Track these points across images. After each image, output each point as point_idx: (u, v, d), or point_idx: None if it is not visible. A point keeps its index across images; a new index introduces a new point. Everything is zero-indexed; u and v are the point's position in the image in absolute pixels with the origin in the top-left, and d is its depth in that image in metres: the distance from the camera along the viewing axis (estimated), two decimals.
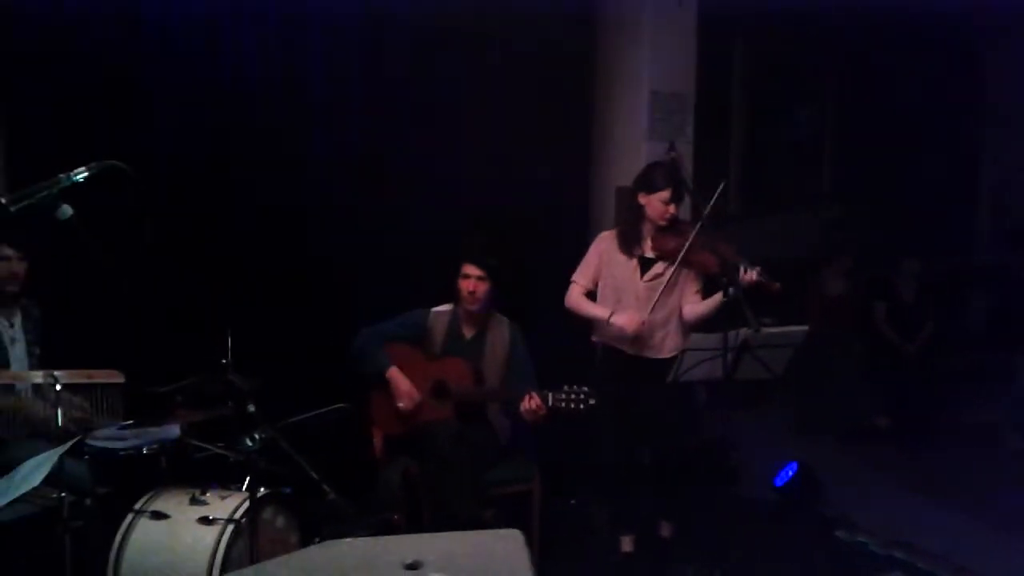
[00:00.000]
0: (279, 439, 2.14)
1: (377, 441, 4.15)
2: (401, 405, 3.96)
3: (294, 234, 4.81)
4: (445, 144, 5.15)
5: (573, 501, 4.79)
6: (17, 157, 4.28)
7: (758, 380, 3.70)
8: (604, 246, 4.02)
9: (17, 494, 2.60)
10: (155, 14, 4.48)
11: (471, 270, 4.02)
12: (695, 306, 3.89)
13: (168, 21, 4.52)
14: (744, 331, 3.49)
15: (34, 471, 2.65)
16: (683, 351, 3.59)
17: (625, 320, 3.82)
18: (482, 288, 4.01)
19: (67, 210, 1.84)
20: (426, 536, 1.13)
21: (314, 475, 2.30)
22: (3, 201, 1.78)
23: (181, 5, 4.53)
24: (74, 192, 1.87)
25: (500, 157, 5.24)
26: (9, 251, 3.58)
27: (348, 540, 1.13)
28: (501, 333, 4.14)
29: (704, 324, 3.82)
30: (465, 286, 4.02)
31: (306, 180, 4.88)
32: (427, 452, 3.81)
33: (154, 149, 4.47)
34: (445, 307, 4.16)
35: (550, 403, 3.71)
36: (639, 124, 5.58)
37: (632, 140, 5.63)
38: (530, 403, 3.72)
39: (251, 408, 2.09)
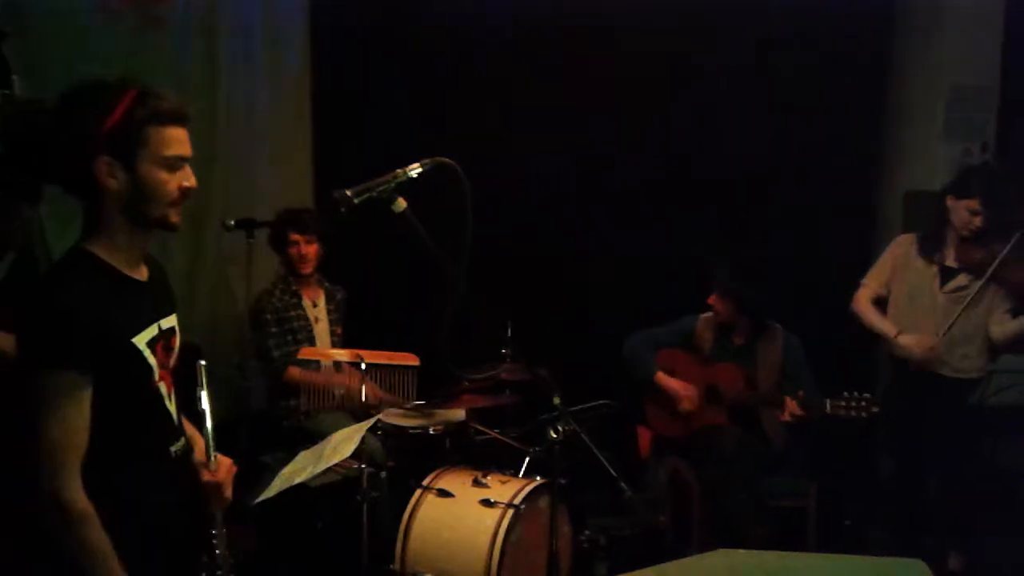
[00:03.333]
0: (581, 433, 2.18)
1: (643, 441, 4.15)
2: (684, 406, 3.92)
3: (578, 233, 4.91)
4: (730, 143, 5.05)
5: (848, 522, 4.54)
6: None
7: None
8: (901, 250, 3.79)
9: (329, 464, 2.83)
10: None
11: (719, 304, 3.95)
12: (1005, 325, 3.55)
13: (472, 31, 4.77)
14: None
15: (344, 443, 2.88)
16: (990, 372, 3.30)
17: (914, 343, 3.59)
18: (731, 313, 3.94)
19: (402, 203, 1.96)
20: (823, 556, 1.09)
21: (612, 472, 2.31)
22: (348, 193, 1.93)
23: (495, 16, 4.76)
24: (408, 187, 2.00)
25: (783, 154, 5.06)
26: (297, 236, 3.90)
27: (747, 551, 1.12)
28: (774, 340, 4.00)
29: (1014, 345, 3.49)
30: (716, 308, 3.97)
31: (594, 181, 4.95)
32: (707, 457, 3.76)
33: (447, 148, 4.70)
34: (712, 313, 4.10)
35: (828, 410, 3.56)
36: (934, 122, 5.17)
37: (925, 140, 5.24)
38: (791, 405, 3.60)
39: (556, 400, 2.13)
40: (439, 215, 2.01)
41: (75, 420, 1.69)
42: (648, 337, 4.08)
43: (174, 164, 1.80)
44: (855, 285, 3.96)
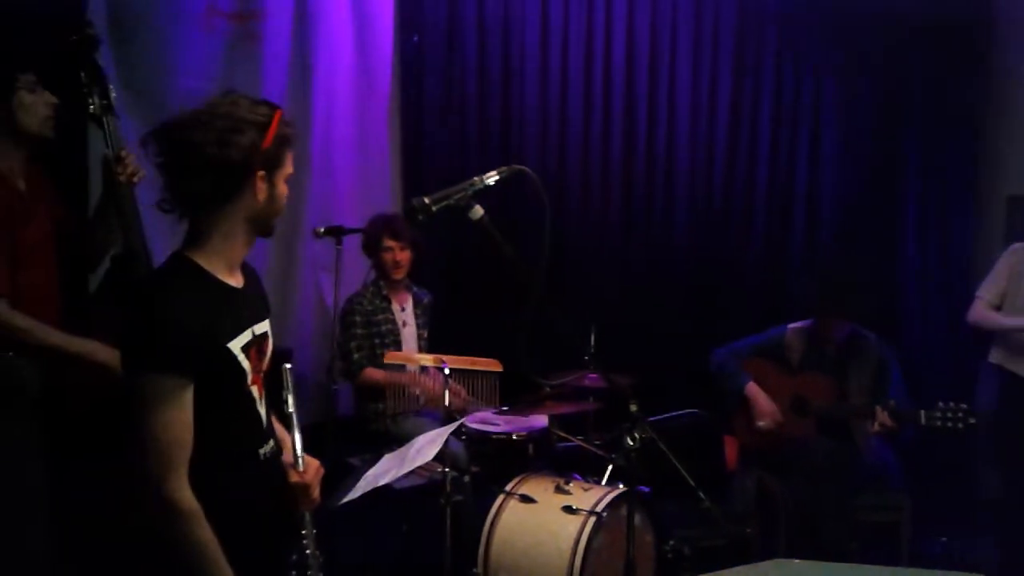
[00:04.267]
0: (658, 441, 2.16)
1: (730, 451, 4.08)
2: (761, 424, 3.86)
3: (670, 243, 4.91)
4: (825, 149, 4.95)
5: (944, 539, 4.37)
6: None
7: None
8: (1016, 259, 3.67)
9: (413, 466, 2.88)
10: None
11: (826, 329, 3.88)
12: None
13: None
14: None
15: (427, 446, 2.92)
16: None
17: None
18: (836, 328, 3.87)
19: (479, 210, 1.99)
20: (882, 568, 1.07)
21: (690, 481, 2.29)
22: (426, 201, 1.97)
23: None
24: (485, 194, 2.03)
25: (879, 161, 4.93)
26: (392, 242, 3.97)
27: (801, 561, 1.11)
28: (868, 350, 3.90)
29: None
30: (823, 329, 3.90)
31: (682, 190, 4.93)
32: (795, 469, 3.68)
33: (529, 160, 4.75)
34: (803, 323, 4.01)
35: (923, 421, 3.45)
36: None
37: None
38: (880, 415, 3.52)
39: (633, 408, 2.12)
40: (529, 222, 2.04)
41: (179, 421, 1.77)
42: (732, 349, 4.03)
43: (287, 180, 1.95)
44: (956, 292, 3.84)
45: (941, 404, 3.45)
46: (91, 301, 2.94)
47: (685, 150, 4.90)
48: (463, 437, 3.60)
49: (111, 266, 2.86)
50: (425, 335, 4.18)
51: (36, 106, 2.68)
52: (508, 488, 3.38)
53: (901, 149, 4.94)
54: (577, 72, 4.80)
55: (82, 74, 2.79)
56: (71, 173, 3.44)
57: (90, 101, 2.80)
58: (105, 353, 2.60)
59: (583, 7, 4.78)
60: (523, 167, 2.06)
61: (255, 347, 1.95)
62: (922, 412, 3.47)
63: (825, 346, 3.91)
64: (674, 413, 4.21)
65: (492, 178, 2.04)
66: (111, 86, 2.85)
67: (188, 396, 1.78)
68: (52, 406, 2.67)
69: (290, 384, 2.11)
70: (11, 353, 2.60)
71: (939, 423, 3.43)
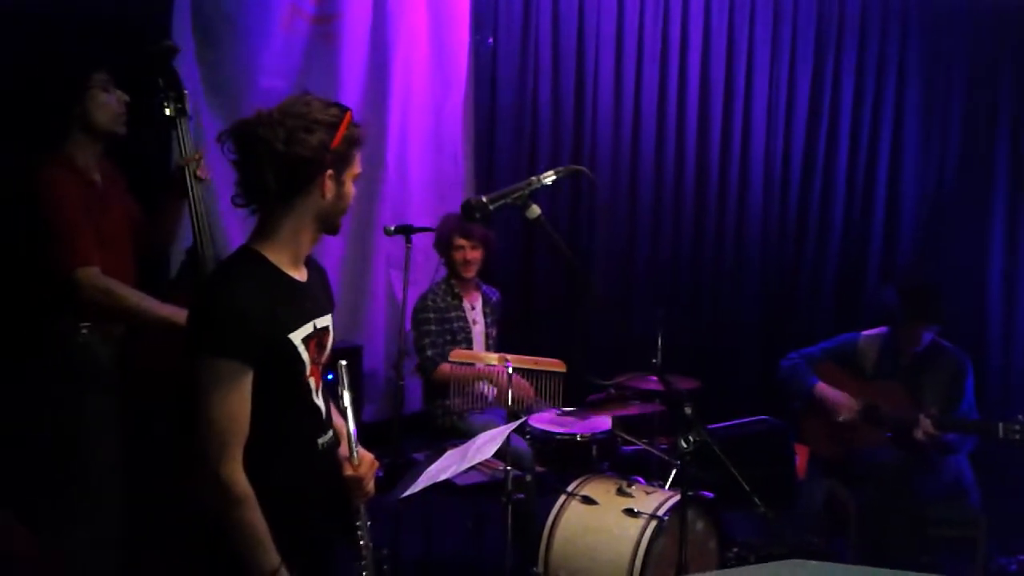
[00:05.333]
0: (713, 444, 2.14)
1: (801, 460, 4.01)
2: (840, 418, 3.77)
3: (743, 248, 4.86)
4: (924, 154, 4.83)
5: (1022, 557, 4.21)
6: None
7: None
8: None
9: (474, 462, 2.90)
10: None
11: (905, 337, 3.78)
12: None
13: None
14: None
15: (488, 443, 2.94)
16: None
17: None
18: (915, 336, 3.77)
19: (536, 209, 2.01)
20: (894, 572, 1.06)
21: (745, 487, 2.26)
22: (484, 200, 2.00)
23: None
24: (542, 193, 2.04)
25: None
26: (463, 241, 4.02)
27: (820, 563, 1.10)
28: (945, 360, 3.77)
29: None
30: (906, 336, 3.79)
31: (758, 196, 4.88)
32: (866, 478, 3.60)
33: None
34: (877, 331, 3.90)
35: (1000, 434, 3.33)
36: None
37: None
38: (923, 424, 3.46)
39: (687, 410, 2.11)
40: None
41: (238, 406, 1.83)
42: (802, 356, 3.95)
43: (355, 180, 2.00)
44: None
45: (1020, 417, 3.33)
46: (168, 288, 3.07)
47: (761, 152, 4.84)
48: (527, 436, 3.61)
49: (186, 258, 2.99)
50: (493, 334, 4.21)
51: (109, 104, 2.82)
52: (570, 489, 3.38)
53: (988, 148, 4.77)
54: (651, 75, 4.79)
55: (160, 80, 2.92)
56: (154, 173, 3.59)
57: (166, 105, 2.95)
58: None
59: (659, 10, 4.77)
60: (580, 167, 2.07)
61: (315, 340, 2.00)
62: (1000, 424, 3.36)
63: (900, 354, 3.80)
64: (743, 420, 4.15)
65: (549, 178, 2.05)
66: (187, 91, 2.98)
67: (247, 382, 1.84)
68: (125, 382, 2.80)
69: (345, 380, 2.16)
70: (85, 330, 2.73)
71: (1018, 436, 3.31)
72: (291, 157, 1.86)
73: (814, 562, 1.11)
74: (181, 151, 2.96)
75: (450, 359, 3.81)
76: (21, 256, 2.75)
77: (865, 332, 3.91)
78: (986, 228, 4.79)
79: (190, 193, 2.92)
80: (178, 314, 2.73)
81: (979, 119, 4.75)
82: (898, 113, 4.81)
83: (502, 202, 2.00)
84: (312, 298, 2.03)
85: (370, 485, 2.15)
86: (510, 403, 3.43)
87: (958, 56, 4.72)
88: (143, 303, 2.77)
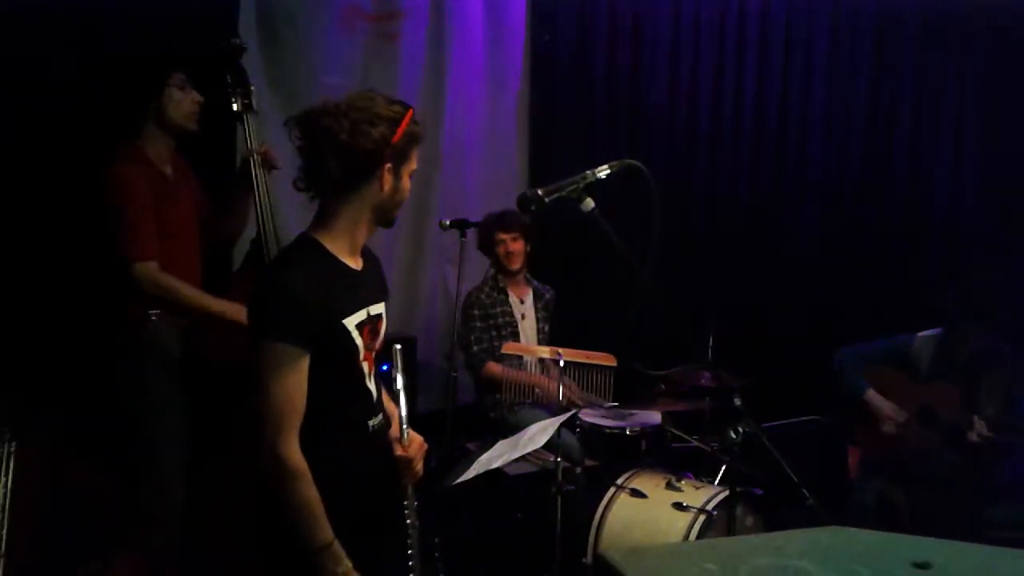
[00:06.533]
0: (763, 436, 2.16)
1: (852, 460, 3.98)
2: (885, 429, 3.75)
3: (797, 245, 4.84)
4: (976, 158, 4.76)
5: None
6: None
7: None
8: None
9: (523, 452, 2.97)
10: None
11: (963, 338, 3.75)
12: None
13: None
14: None
15: (539, 434, 3.00)
16: None
17: None
18: (974, 338, 3.74)
19: (590, 203, 2.05)
20: (937, 540, 1.08)
21: (794, 477, 2.27)
22: (540, 192, 2.05)
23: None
24: (596, 187, 2.08)
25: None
26: (503, 235, 4.07)
27: (857, 529, 1.13)
28: (1003, 362, 3.72)
29: None
30: (960, 339, 3.77)
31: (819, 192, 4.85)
32: (920, 480, 3.57)
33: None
34: (933, 331, 3.86)
35: None
36: None
37: None
38: (977, 425, 3.46)
39: (737, 402, 2.13)
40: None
41: (294, 387, 1.91)
42: (856, 354, 3.92)
43: (412, 176, 2.07)
44: None
45: None
46: (233, 277, 3.21)
47: (818, 149, 4.80)
48: (577, 430, 3.65)
49: (250, 248, 3.11)
50: (546, 329, 4.25)
51: (184, 102, 3.00)
52: (619, 481, 3.42)
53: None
54: (707, 71, 4.78)
55: (228, 77, 3.05)
56: (220, 166, 3.72)
57: (233, 100, 3.10)
58: (241, 314, 2.85)
59: (716, 2, 4.75)
60: (634, 161, 2.10)
61: (369, 326, 2.07)
62: None
63: (956, 355, 3.76)
64: (794, 419, 4.14)
65: (604, 171, 2.09)
66: (253, 87, 3.10)
67: (304, 365, 1.92)
68: (192, 367, 2.93)
69: (399, 364, 2.23)
70: (155, 317, 2.86)
71: None
72: (353, 148, 1.93)
73: (852, 528, 1.13)
74: (248, 144, 3.08)
75: (502, 351, 3.87)
76: (97, 243, 2.90)
77: (921, 333, 3.87)
78: None
79: (255, 185, 3.04)
80: (231, 309, 2.87)
81: None
82: (959, 109, 4.71)
83: (557, 195, 2.05)
84: (367, 286, 2.10)
85: (419, 465, 2.22)
86: (560, 399, 3.48)
87: (1016, 54, 4.62)
88: (196, 298, 2.92)
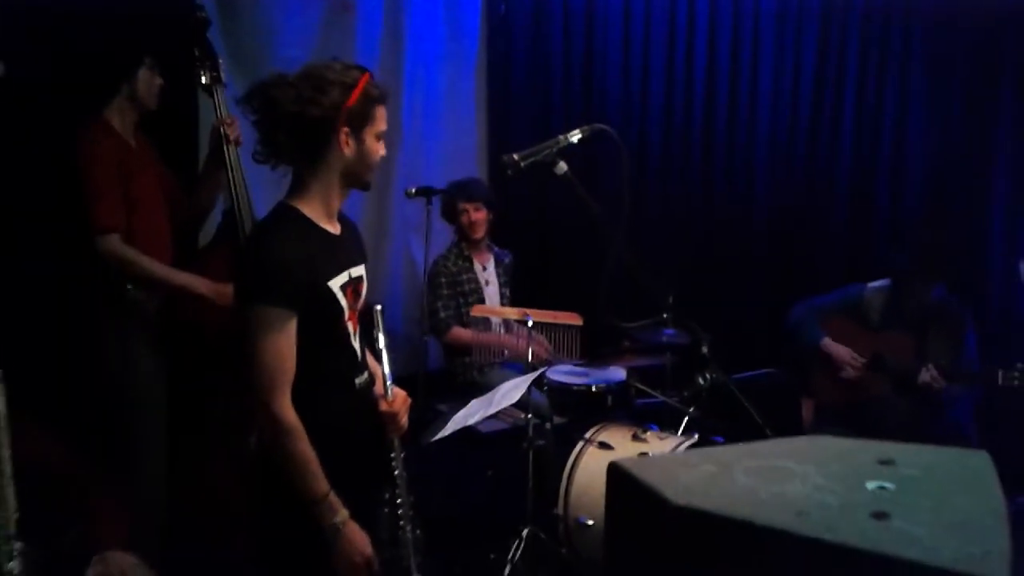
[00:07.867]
0: (728, 380, 2.30)
1: (806, 412, 4.14)
2: (843, 374, 3.92)
3: (750, 204, 4.97)
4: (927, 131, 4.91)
5: (1022, 499, 4.37)
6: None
7: None
8: None
9: (497, 409, 3.09)
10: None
11: (913, 290, 3.92)
12: None
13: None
14: None
15: (511, 391, 3.12)
16: None
17: None
18: (923, 290, 3.91)
19: (563, 165, 2.16)
20: (898, 444, 1.25)
21: (758, 418, 2.42)
22: (516, 157, 2.15)
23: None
24: (568, 151, 2.19)
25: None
26: (467, 204, 4.17)
27: (832, 438, 1.27)
28: (951, 315, 3.91)
29: None
30: (909, 290, 3.94)
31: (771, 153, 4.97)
32: (871, 427, 3.74)
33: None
34: (882, 282, 4.04)
35: (1000, 381, 3.50)
36: None
37: None
38: (926, 374, 3.61)
39: (704, 350, 2.27)
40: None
41: (284, 348, 2.01)
42: (810, 306, 4.08)
43: (381, 137, 2.14)
44: None
45: (1020, 364, 3.48)
46: (206, 249, 3.27)
47: (767, 108, 4.87)
48: (545, 388, 3.78)
49: (223, 219, 3.17)
50: (507, 293, 4.37)
51: (153, 82, 3.10)
52: (587, 436, 3.55)
53: (994, 107, 4.81)
54: (660, 35, 4.85)
55: (195, 51, 3.11)
56: (183, 140, 3.75)
57: (202, 74, 3.16)
58: (205, 287, 2.95)
59: None
60: (604, 126, 2.21)
61: (351, 287, 2.17)
62: (1000, 372, 3.50)
63: (906, 307, 3.94)
64: (751, 373, 4.30)
65: (575, 136, 2.20)
66: (220, 60, 3.16)
67: (292, 327, 2.02)
68: (171, 335, 3.01)
69: (380, 324, 2.33)
70: (130, 287, 2.93)
71: (1016, 383, 3.47)
72: (302, 116, 2.01)
73: (828, 437, 1.28)
74: (217, 116, 3.13)
75: (472, 314, 3.98)
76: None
77: (870, 284, 4.04)
78: (988, 184, 4.86)
79: (227, 157, 3.10)
80: (195, 282, 2.94)
81: (985, 79, 4.80)
82: (903, 67, 4.84)
83: (533, 159, 2.16)
84: (346, 249, 2.20)
85: (404, 419, 2.33)
86: (529, 359, 3.60)
87: (963, 19, 4.75)
88: (160, 272, 2.99)
